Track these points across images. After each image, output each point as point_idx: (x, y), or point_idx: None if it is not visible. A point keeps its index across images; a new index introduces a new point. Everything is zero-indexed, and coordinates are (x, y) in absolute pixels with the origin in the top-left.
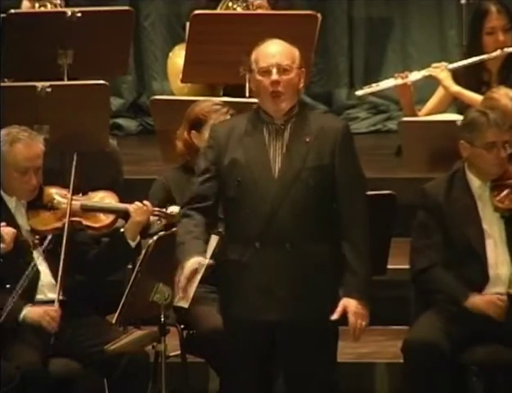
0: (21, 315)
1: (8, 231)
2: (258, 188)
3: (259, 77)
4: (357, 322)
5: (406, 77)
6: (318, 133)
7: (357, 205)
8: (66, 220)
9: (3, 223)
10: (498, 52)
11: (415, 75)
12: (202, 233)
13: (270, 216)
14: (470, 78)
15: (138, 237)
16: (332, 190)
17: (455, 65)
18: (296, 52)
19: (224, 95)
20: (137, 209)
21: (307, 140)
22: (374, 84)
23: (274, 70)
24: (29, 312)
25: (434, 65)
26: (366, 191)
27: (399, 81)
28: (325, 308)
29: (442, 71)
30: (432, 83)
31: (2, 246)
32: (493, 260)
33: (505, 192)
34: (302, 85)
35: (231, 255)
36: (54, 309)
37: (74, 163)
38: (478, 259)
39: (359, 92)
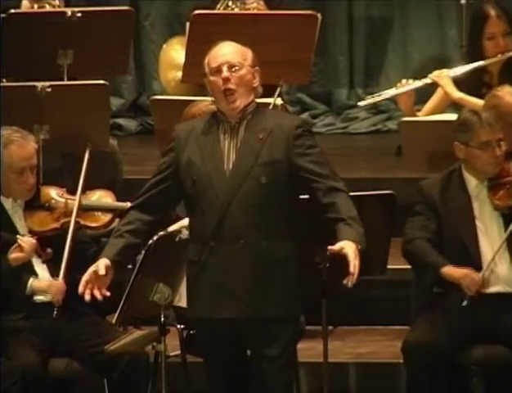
0: (28, 286)
1: (28, 241)
2: (212, 186)
3: (212, 78)
4: (356, 262)
5: (408, 85)
6: (273, 130)
7: (331, 181)
8: (73, 218)
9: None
10: (499, 57)
11: (417, 83)
12: (132, 232)
13: (222, 213)
14: (471, 79)
15: None
16: (287, 187)
17: (457, 72)
18: (248, 52)
19: None
20: None
21: (261, 137)
22: (376, 94)
23: (224, 68)
24: (35, 282)
25: (436, 72)
26: (335, 174)
27: (401, 90)
28: (283, 304)
29: (443, 77)
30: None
31: (21, 254)
32: (490, 259)
33: (503, 190)
34: (257, 84)
35: (191, 255)
36: (59, 282)
37: (86, 161)
38: (472, 257)
39: (361, 103)
